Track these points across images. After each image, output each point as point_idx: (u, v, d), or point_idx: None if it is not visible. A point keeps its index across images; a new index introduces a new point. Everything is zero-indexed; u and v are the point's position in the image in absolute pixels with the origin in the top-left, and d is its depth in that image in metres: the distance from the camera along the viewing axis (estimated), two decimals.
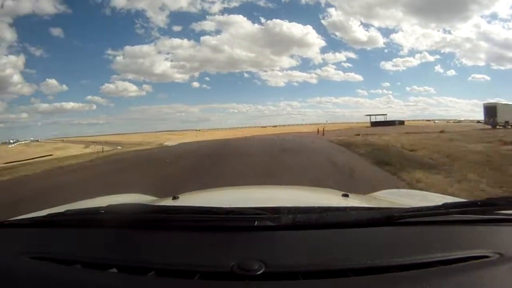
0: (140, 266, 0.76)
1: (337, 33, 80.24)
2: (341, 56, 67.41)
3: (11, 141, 78.01)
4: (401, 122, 48.12)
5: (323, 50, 76.07)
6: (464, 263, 0.73)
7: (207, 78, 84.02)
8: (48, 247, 0.92)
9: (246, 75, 78.96)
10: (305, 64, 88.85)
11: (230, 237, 0.88)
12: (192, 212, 0.96)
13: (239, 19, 68.04)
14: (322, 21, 73.42)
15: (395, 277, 0.69)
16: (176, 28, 74.09)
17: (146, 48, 72.11)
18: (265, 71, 73.84)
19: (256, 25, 70.04)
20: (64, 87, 72.42)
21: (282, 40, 70.98)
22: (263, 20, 67.40)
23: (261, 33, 72.31)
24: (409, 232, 0.91)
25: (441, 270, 0.71)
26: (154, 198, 1.84)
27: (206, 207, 0.97)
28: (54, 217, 1.07)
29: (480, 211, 0.95)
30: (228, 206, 0.97)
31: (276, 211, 0.93)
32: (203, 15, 78.74)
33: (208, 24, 69.21)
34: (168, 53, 72.26)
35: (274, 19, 67.93)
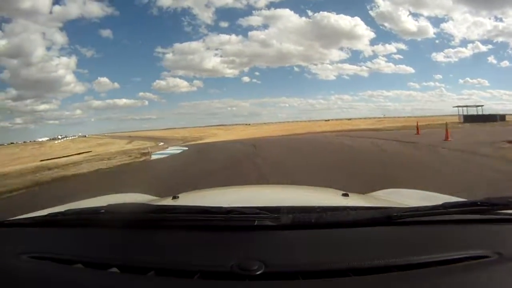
0: (140, 266, 0.76)
1: (386, 24, 76.53)
2: (391, 47, 65.48)
3: (59, 136, 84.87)
4: (502, 117, 32.65)
5: (373, 42, 74.42)
6: (464, 263, 0.73)
7: (257, 73, 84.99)
8: (48, 246, 0.92)
9: (296, 69, 78.13)
10: (355, 57, 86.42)
11: (230, 236, 0.88)
12: (192, 211, 0.96)
13: (286, 12, 67.52)
14: (370, 12, 72.48)
15: (395, 277, 0.69)
16: (223, 24, 76.05)
17: (194, 44, 73.77)
18: (315, 64, 73.20)
19: (304, 18, 69.16)
20: (116, 84, 76.38)
21: (330, 32, 68.93)
22: (310, 13, 66.44)
23: (309, 26, 70.74)
24: (408, 232, 0.91)
25: (441, 270, 0.71)
26: (154, 197, 1.85)
27: (206, 206, 0.96)
28: (54, 217, 1.07)
29: (480, 211, 0.95)
30: (228, 205, 0.96)
31: (276, 210, 0.93)
32: (249, 10, 78.02)
33: (255, 19, 69.27)
34: (217, 49, 73.19)
35: (321, 12, 66.91)
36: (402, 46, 65.37)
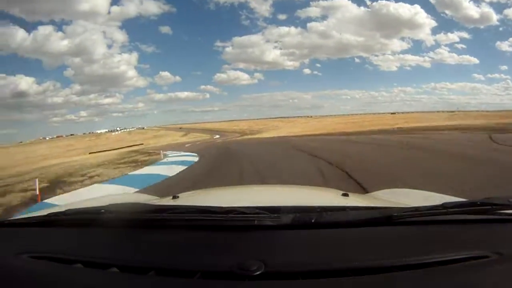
0: (140, 266, 0.76)
1: (447, 11, 73.66)
2: (453, 36, 62.24)
3: (118, 129, 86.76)
4: None
5: (434, 31, 71.49)
6: (464, 263, 0.73)
7: (318, 65, 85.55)
8: (49, 246, 0.92)
9: (356, 60, 78.69)
10: (417, 47, 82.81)
11: (230, 236, 0.88)
12: (192, 211, 0.96)
13: (344, 2, 66.53)
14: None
15: (395, 277, 0.69)
16: (281, 17, 76.11)
17: (254, 37, 76.77)
18: (376, 55, 72.20)
19: (362, 8, 68.16)
20: (177, 78, 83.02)
21: (390, 22, 66.79)
22: (368, 2, 64.49)
23: (368, 16, 69.50)
24: (408, 231, 0.91)
25: (441, 270, 0.71)
26: (154, 197, 1.85)
27: (206, 206, 0.97)
28: (55, 217, 1.08)
29: (480, 211, 0.95)
30: (228, 205, 0.96)
31: (276, 210, 0.94)
32: (306, 1, 77.68)
33: (313, 10, 69.75)
34: (276, 41, 74.41)
35: (379, 0, 64.24)
36: (464, 34, 62.15)
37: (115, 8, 70.00)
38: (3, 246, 0.96)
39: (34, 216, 1.16)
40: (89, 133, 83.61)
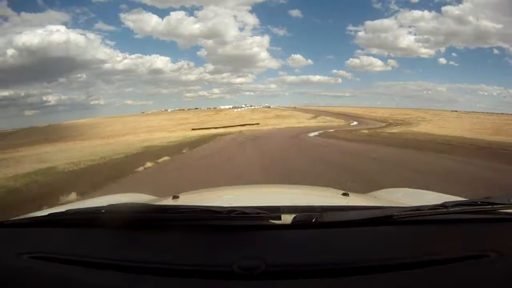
0: (140, 266, 0.76)
1: None
2: None
3: (243, 105, 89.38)
4: None
5: None
6: (464, 262, 0.73)
7: (454, 54, 78.45)
8: (49, 246, 0.92)
9: (495, 51, 65.49)
10: None
11: (231, 236, 0.88)
12: (193, 211, 0.95)
13: None
14: None
15: (395, 276, 0.69)
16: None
17: (386, 22, 72.02)
18: None
19: None
20: (310, 61, 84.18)
21: None
22: None
23: None
24: (409, 231, 0.91)
25: (441, 268, 0.71)
26: (155, 197, 1.84)
27: (206, 206, 0.96)
28: (55, 217, 1.08)
29: (480, 210, 0.95)
30: (229, 205, 0.95)
31: (276, 210, 0.94)
32: None
33: None
34: (410, 27, 69.19)
35: None
36: None
37: None
38: (3, 246, 0.96)
39: (34, 217, 1.16)
40: (214, 108, 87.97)
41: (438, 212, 0.92)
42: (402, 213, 0.91)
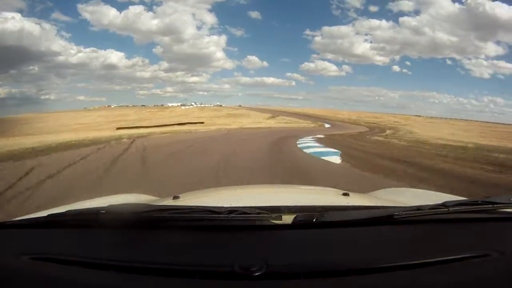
0: (141, 266, 0.76)
1: None
2: None
3: (192, 103, 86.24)
4: None
5: None
6: (465, 261, 0.73)
7: (408, 63, 78.31)
8: (49, 247, 0.92)
9: (448, 62, 69.87)
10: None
11: (231, 236, 0.88)
12: (193, 211, 0.95)
13: None
14: None
15: (397, 276, 0.69)
16: (373, 9, 70.80)
17: (344, 28, 73.61)
18: (469, 59, 63.76)
19: (457, 5, 58.11)
20: (265, 63, 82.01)
21: (486, 22, 57.67)
22: None
23: (463, 13, 61.12)
24: (410, 231, 0.91)
25: (442, 268, 0.71)
26: (155, 197, 1.83)
27: (207, 206, 0.96)
28: (55, 218, 1.07)
29: (481, 210, 0.94)
30: (229, 205, 0.95)
31: (277, 210, 0.94)
32: None
33: (405, 4, 62.66)
34: (366, 34, 71.10)
35: None
36: None
37: None
38: (3, 247, 0.95)
39: (34, 218, 1.15)
40: (161, 105, 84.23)
41: (439, 211, 0.92)
42: (403, 212, 0.90)
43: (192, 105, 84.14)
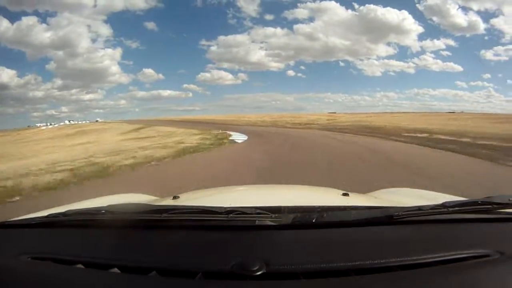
0: (141, 266, 0.76)
1: (435, 18, 69.63)
2: (439, 43, 62.84)
3: (49, 124, 79.99)
4: None
5: (421, 37, 70.99)
6: (465, 262, 0.73)
7: (302, 67, 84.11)
8: (49, 247, 0.92)
9: (341, 63, 76.85)
10: (402, 53, 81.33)
11: (231, 236, 0.88)
12: (193, 211, 0.95)
13: (332, 5, 66.86)
14: (418, 6, 71.00)
15: (396, 276, 0.69)
16: (269, 17, 74.94)
17: (239, 37, 74.48)
18: (361, 60, 72.91)
19: (350, 11, 67.75)
20: (161, 76, 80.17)
21: (377, 26, 66.53)
22: (356, 5, 65.14)
23: (356, 19, 69.44)
24: (409, 231, 0.91)
25: (442, 269, 0.71)
26: (155, 197, 1.83)
27: (206, 207, 0.96)
28: (55, 218, 1.07)
29: (481, 210, 0.95)
30: (229, 205, 0.95)
31: (276, 210, 0.94)
32: (294, 3, 77.18)
33: (300, 12, 69.10)
34: (262, 42, 74.11)
35: (367, 5, 65.63)
36: (451, 42, 62.65)
37: (101, 1, 67.51)
38: (3, 247, 0.95)
39: (34, 217, 1.14)
40: (28, 127, 77.17)
41: (439, 212, 0.92)
42: (403, 213, 0.90)
43: (51, 125, 77.77)
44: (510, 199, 0.94)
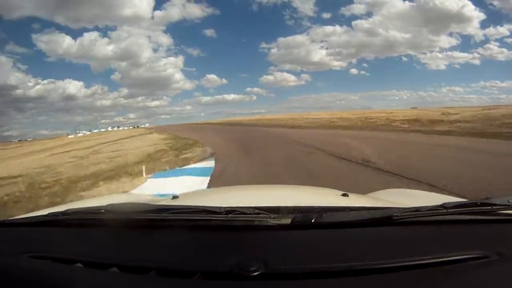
0: (140, 266, 0.76)
1: (495, 2, 63.80)
2: (503, 30, 53.29)
3: (84, 131, 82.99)
4: None
5: (483, 25, 61.26)
6: (464, 263, 0.73)
7: (365, 64, 73.76)
8: (49, 246, 0.92)
9: (404, 58, 71.67)
10: (466, 43, 65.02)
11: (230, 236, 0.88)
12: (192, 211, 0.95)
13: None
14: None
15: (395, 277, 0.69)
16: (326, 15, 73.30)
17: (299, 38, 76.95)
18: (424, 53, 67.76)
19: (408, 2, 60.37)
20: (224, 80, 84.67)
21: (437, 16, 59.24)
22: None
23: (414, 10, 62.66)
24: (409, 232, 0.91)
25: (441, 270, 0.71)
26: (154, 197, 1.86)
27: (206, 206, 0.96)
28: (55, 217, 1.07)
29: (480, 211, 0.94)
30: (228, 205, 0.95)
31: (275, 210, 0.93)
32: None
33: (357, 8, 66.52)
34: (321, 41, 75.75)
35: None
36: None
37: (158, 13, 70.39)
38: (3, 246, 0.95)
39: (34, 216, 1.14)
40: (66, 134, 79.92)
41: (438, 213, 0.92)
42: (402, 214, 0.90)
43: (85, 132, 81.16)
44: (510, 200, 0.93)
